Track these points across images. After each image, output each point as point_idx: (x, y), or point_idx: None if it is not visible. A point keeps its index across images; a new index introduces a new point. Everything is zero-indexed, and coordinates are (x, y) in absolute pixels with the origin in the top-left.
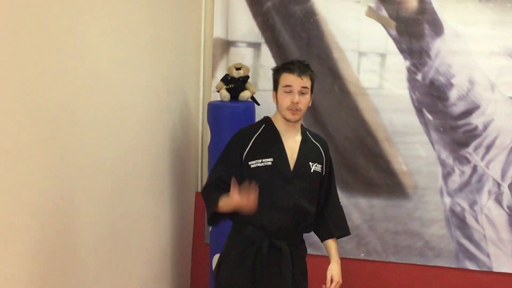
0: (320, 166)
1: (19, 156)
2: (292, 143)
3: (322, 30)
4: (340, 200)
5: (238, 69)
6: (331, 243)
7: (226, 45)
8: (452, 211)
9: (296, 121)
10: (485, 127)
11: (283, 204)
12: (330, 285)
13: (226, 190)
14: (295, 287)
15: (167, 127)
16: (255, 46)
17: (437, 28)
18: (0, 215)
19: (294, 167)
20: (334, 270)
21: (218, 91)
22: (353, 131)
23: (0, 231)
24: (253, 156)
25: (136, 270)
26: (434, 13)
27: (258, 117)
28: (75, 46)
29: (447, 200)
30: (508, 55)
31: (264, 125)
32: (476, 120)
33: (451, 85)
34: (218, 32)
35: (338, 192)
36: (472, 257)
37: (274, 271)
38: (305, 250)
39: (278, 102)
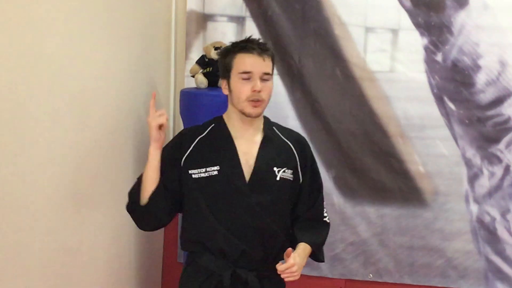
0: (290, 171)
1: None
2: (248, 146)
3: (321, 1)
4: (344, 209)
5: (217, 48)
6: (303, 245)
7: (202, 20)
8: (480, 221)
9: (257, 116)
10: None
11: (241, 225)
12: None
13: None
14: None
15: (130, 120)
16: (238, 20)
17: None
18: None
19: (251, 176)
20: (292, 253)
21: (193, 76)
22: (359, 125)
23: None
24: (194, 163)
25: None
26: None
27: None
28: (21, 23)
29: (474, 208)
30: None
31: (213, 125)
32: (509, 110)
33: (478, 67)
34: (193, 4)
35: (341, 199)
36: (505, 278)
37: None
38: (282, 283)
39: (233, 92)
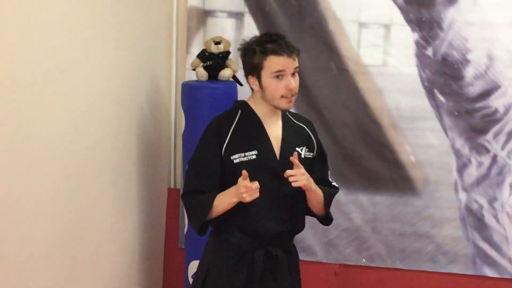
0: (307, 149)
1: None
2: (275, 130)
3: None
4: (337, 197)
5: (217, 43)
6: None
7: (202, 15)
8: (468, 209)
9: (291, 108)
10: (507, 110)
11: (276, 205)
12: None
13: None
14: None
15: (133, 112)
16: (237, 16)
17: None
18: None
19: (281, 157)
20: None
21: (194, 69)
22: (353, 116)
23: None
24: (234, 149)
25: (98, 278)
26: None
27: (240, 98)
28: (26, 18)
29: (463, 196)
30: None
31: (240, 111)
32: (496, 102)
33: (467, 61)
34: (193, 0)
35: None
36: (492, 263)
37: (271, 283)
38: (297, 255)
39: (267, 90)
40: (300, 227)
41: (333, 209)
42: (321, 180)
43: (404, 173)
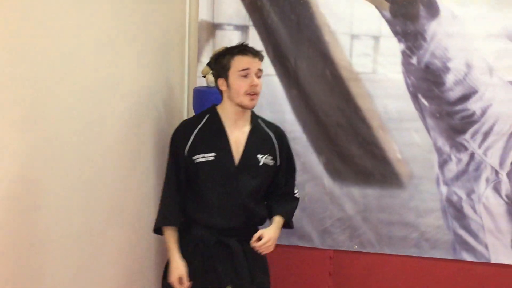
0: (271, 157)
1: None
2: (238, 135)
3: (313, 11)
4: (332, 190)
5: None
6: (277, 218)
7: (212, 28)
8: (448, 200)
9: (253, 107)
10: (483, 112)
11: (230, 204)
12: (257, 242)
13: (178, 196)
14: (255, 283)
15: (151, 114)
16: (243, 29)
17: (433, 10)
18: None
19: (240, 161)
20: (267, 230)
21: (204, 76)
22: (346, 118)
23: None
24: (196, 150)
25: (116, 269)
26: None
27: None
28: (55, 29)
29: (444, 189)
30: (507, 38)
31: (208, 115)
32: (474, 105)
33: (447, 69)
34: (204, 15)
35: (330, 181)
36: (470, 248)
37: (230, 270)
38: None
39: (232, 88)
40: (257, 222)
41: (328, 201)
42: (285, 194)
43: (391, 168)
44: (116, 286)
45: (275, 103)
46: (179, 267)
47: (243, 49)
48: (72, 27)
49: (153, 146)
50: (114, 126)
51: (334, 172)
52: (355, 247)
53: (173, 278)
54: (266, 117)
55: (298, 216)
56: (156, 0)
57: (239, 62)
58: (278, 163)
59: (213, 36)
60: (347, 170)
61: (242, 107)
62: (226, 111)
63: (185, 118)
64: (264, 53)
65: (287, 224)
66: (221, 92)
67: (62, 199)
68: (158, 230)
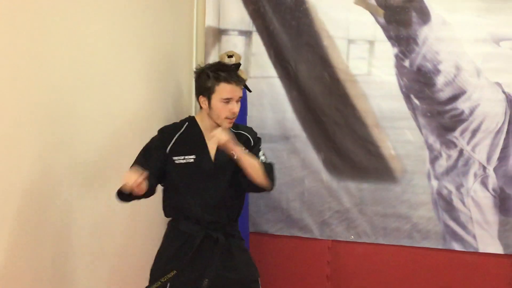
0: (247, 150)
1: (13, 141)
2: (214, 143)
3: (312, 18)
4: (330, 184)
5: (230, 56)
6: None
7: (218, 34)
8: (439, 194)
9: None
10: (471, 112)
11: (211, 199)
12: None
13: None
14: (240, 276)
15: (161, 113)
16: (247, 34)
17: (425, 16)
18: None
19: (215, 160)
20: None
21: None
22: (343, 117)
23: None
24: (177, 152)
25: (126, 253)
26: (421, 1)
27: (249, 103)
28: (71, 38)
29: (435, 183)
30: (493, 42)
31: (187, 123)
32: (463, 105)
33: (438, 71)
34: (210, 21)
35: (328, 176)
36: (459, 239)
37: (212, 263)
38: (242, 240)
39: (214, 111)
40: (236, 215)
41: (326, 194)
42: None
43: (385, 164)
44: (126, 269)
45: (277, 103)
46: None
47: (228, 77)
48: (89, 36)
49: None
50: (127, 125)
51: (332, 168)
52: (352, 238)
53: (128, 175)
54: (268, 116)
55: (298, 208)
56: (167, 8)
57: (223, 90)
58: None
59: (219, 41)
60: (344, 166)
61: (219, 126)
62: (204, 123)
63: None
64: (266, 57)
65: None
66: (200, 107)
67: (79, 189)
68: (120, 194)
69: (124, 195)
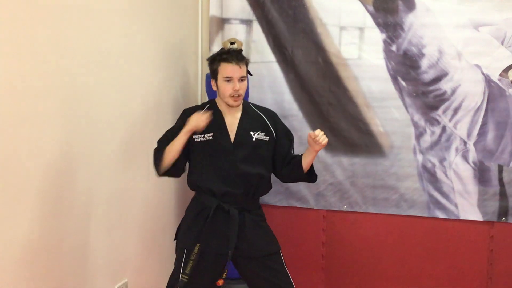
0: (264, 133)
1: (37, 122)
2: (232, 120)
3: (307, 7)
4: (325, 159)
5: (232, 43)
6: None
7: (221, 22)
8: (424, 167)
9: (237, 106)
10: (453, 92)
11: (227, 172)
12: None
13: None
14: (253, 251)
15: (170, 97)
16: (247, 23)
17: (410, 4)
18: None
19: (235, 139)
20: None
21: None
22: (336, 98)
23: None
24: (196, 131)
25: (141, 226)
26: None
27: (251, 86)
28: (90, 29)
29: (420, 157)
30: (473, 27)
31: (208, 105)
32: (445, 85)
33: (422, 55)
34: (214, 11)
35: (323, 151)
36: (442, 207)
37: (222, 233)
38: (261, 215)
39: (220, 90)
40: (254, 191)
41: (321, 168)
42: (287, 152)
43: (375, 140)
44: (141, 240)
45: (275, 85)
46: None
47: (227, 57)
48: (105, 27)
49: (171, 123)
50: (139, 108)
51: (327, 145)
52: (345, 207)
53: (192, 120)
54: (267, 97)
55: None
56: (173, 0)
57: (224, 69)
58: (275, 136)
59: (222, 29)
60: (337, 142)
61: (228, 105)
62: (220, 103)
63: (199, 100)
64: (266, 43)
65: (310, 176)
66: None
67: (96, 166)
68: (160, 171)
69: (161, 168)
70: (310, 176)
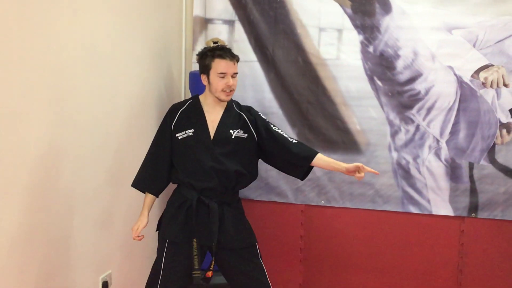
0: (242, 131)
1: (23, 116)
2: (214, 117)
3: (288, 8)
4: None
5: (215, 43)
6: (322, 157)
7: (204, 22)
8: (398, 164)
9: (228, 100)
10: (427, 92)
11: (206, 167)
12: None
13: (158, 164)
14: (231, 242)
15: (154, 94)
16: (230, 23)
17: (386, 7)
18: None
19: (214, 135)
20: (346, 165)
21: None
22: (315, 96)
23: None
24: (179, 128)
25: (129, 216)
26: None
27: None
28: (76, 25)
29: (394, 154)
30: (446, 30)
31: (190, 101)
32: (419, 86)
33: (398, 56)
34: (198, 11)
35: None
36: (415, 203)
37: (203, 226)
38: (240, 209)
39: (212, 85)
40: (233, 186)
41: None
42: (274, 141)
43: (352, 138)
44: (125, 232)
45: (256, 84)
46: (142, 220)
47: (222, 53)
48: (92, 24)
49: (156, 118)
50: (124, 104)
51: (305, 141)
52: (322, 202)
53: (135, 226)
54: (248, 95)
55: (275, 177)
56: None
57: (218, 65)
58: (255, 134)
59: (205, 29)
60: (316, 139)
61: (219, 100)
62: (207, 100)
63: (183, 96)
64: (247, 43)
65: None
66: (205, 85)
67: (81, 162)
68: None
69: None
70: (306, 172)
